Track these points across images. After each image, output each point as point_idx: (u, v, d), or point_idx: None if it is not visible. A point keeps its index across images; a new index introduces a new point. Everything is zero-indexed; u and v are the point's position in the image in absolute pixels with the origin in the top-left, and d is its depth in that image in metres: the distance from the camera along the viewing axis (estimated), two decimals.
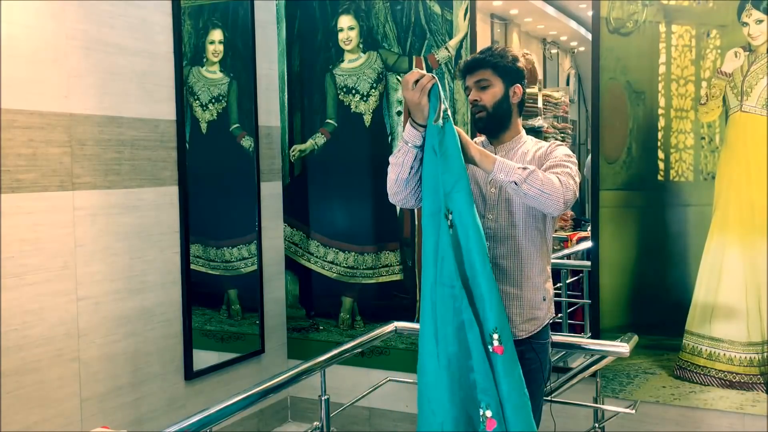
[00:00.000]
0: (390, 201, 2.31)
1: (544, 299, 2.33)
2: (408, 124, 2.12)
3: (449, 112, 2.07)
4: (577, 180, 2.18)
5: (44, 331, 2.82)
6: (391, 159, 2.21)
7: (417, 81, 2.03)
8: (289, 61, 4.09)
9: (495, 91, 2.27)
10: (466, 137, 2.12)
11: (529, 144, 2.35)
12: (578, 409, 3.14)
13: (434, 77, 2.05)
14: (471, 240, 2.03)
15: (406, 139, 2.14)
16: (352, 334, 3.93)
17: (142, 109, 3.23)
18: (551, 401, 2.86)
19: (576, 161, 2.26)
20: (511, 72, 2.29)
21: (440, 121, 2.03)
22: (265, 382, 2.47)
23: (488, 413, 2.02)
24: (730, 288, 3.09)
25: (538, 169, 2.12)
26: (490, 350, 2.02)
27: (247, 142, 3.88)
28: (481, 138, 2.41)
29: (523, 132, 2.38)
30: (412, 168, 2.17)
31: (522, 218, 2.26)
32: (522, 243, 2.27)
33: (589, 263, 3.44)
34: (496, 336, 2.02)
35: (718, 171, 3.10)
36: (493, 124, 2.31)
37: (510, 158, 2.29)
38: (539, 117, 4.98)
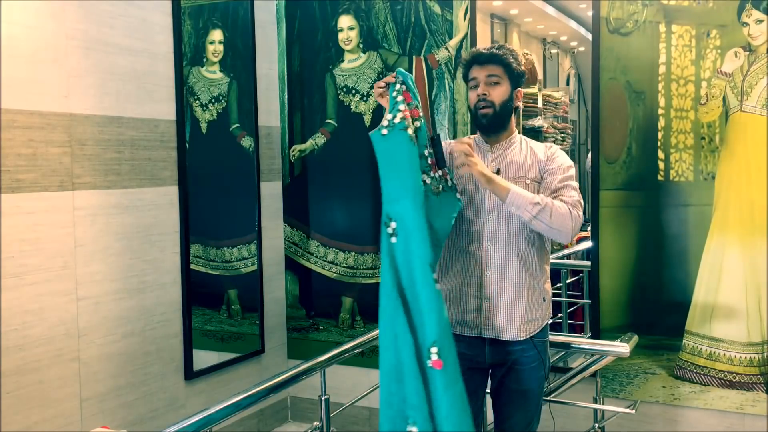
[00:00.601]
0: None
1: (544, 300, 2.33)
2: None
3: (406, 121, 2.08)
4: (581, 201, 2.24)
5: (44, 331, 2.82)
6: None
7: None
8: (289, 61, 4.09)
9: (503, 89, 2.26)
10: (480, 167, 2.16)
11: (523, 145, 2.34)
12: (578, 409, 3.14)
13: (382, 95, 2.15)
14: (412, 250, 2.00)
15: None
16: (352, 334, 3.93)
17: (142, 109, 3.23)
18: (551, 401, 2.86)
19: (575, 172, 2.30)
20: (518, 76, 2.30)
21: (384, 130, 2.07)
22: (265, 382, 2.48)
23: (413, 429, 1.99)
24: (730, 288, 3.09)
25: (548, 199, 2.16)
26: (428, 365, 1.97)
27: (247, 142, 3.88)
28: (475, 136, 2.40)
29: (516, 131, 2.37)
30: None
31: (521, 220, 2.26)
32: (521, 244, 2.26)
33: (589, 263, 3.44)
34: (434, 350, 1.97)
35: (718, 171, 3.10)
36: (497, 122, 2.29)
37: (505, 157, 2.30)
38: (539, 117, 4.98)
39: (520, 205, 2.12)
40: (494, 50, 2.27)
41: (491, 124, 2.29)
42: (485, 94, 2.25)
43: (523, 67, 2.33)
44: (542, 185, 2.28)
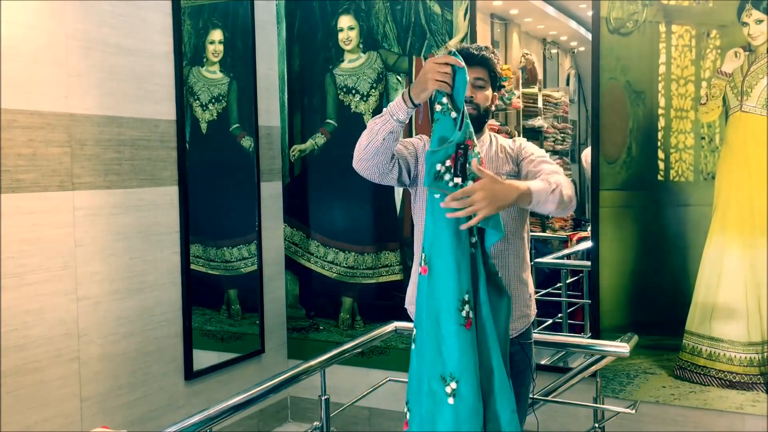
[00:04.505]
0: (353, 165, 2.20)
1: (530, 296, 2.33)
2: (400, 96, 2.02)
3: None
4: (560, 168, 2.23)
5: (44, 331, 2.81)
6: (369, 123, 2.12)
7: (448, 73, 1.94)
8: (289, 61, 4.09)
9: (487, 93, 2.25)
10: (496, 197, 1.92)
11: (494, 141, 2.33)
12: (578, 409, 3.14)
13: (449, 89, 1.96)
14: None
15: (391, 111, 2.04)
16: (352, 334, 3.93)
17: (142, 109, 3.23)
18: (551, 401, 2.86)
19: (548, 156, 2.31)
20: (498, 80, 2.29)
21: (453, 113, 1.96)
22: (265, 382, 2.47)
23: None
24: (730, 288, 3.09)
25: (550, 179, 2.09)
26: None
27: (247, 142, 3.88)
28: None
29: (487, 130, 2.36)
30: (384, 139, 2.07)
31: (513, 216, 2.26)
32: (511, 240, 2.26)
33: (589, 263, 3.44)
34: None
35: (718, 171, 3.10)
36: (478, 124, 2.25)
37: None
38: (539, 117, 4.97)
39: (546, 200, 2.02)
40: (483, 53, 2.24)
41: (473, 126, 2.28)
42: (472, 97, 2.23)
43: (502, 72, 2.33)
44: (521, 176, 2.27)
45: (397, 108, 2.02)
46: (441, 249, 1.95)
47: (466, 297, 1.94)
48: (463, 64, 1.97)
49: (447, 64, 1.95)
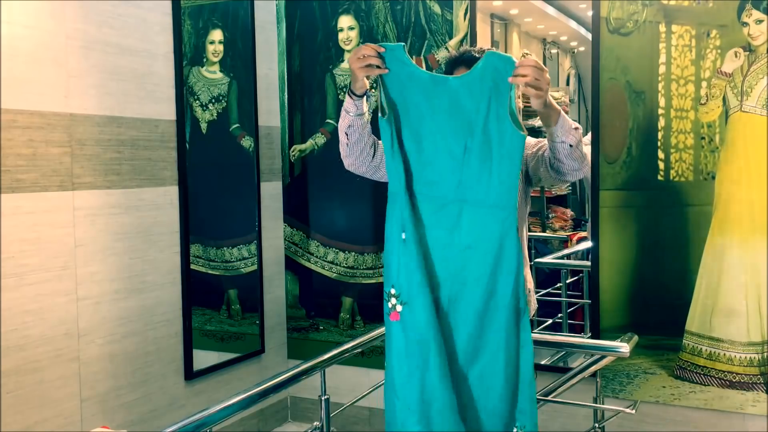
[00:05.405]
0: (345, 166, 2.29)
1: (529, 291, 2.33)
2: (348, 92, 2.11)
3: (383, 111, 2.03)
4: None
5: (44, 331, 2.82)
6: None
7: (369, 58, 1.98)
8: (289, 61, 4.09)
9: None
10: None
11: None
12: (578, 409, 3.14)
13: (384, 69, 1.99)
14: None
15: (344, 106, 2.14)
16: (352, 334, 3.93)
17: (142, 109, 3.23)
18: (551, 401, 2.86)
19: None
20: None
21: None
22: (265, 382, 2.47)
23: None
24: (730, 288, 3.09)
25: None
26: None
27: (247, 142, 3.88)
28: None
29: None
30: (347, 134, 2.16)
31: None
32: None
33: (589, 263, 3.44)
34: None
35: (718, 171, 3.10)
36: None
37: None
38: (539, 117, 4.97)
39: (568, 130, 2.02)
40: (479, 55, 2.27)
41: None
42: None
43: None
44: (532, 157, 2.27)
45: (348, 102, 2.12)
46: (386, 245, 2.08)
47: (393, 291, 2.02)
48: (383, 48, 1.98)
49: (368, 52, 1.96)
